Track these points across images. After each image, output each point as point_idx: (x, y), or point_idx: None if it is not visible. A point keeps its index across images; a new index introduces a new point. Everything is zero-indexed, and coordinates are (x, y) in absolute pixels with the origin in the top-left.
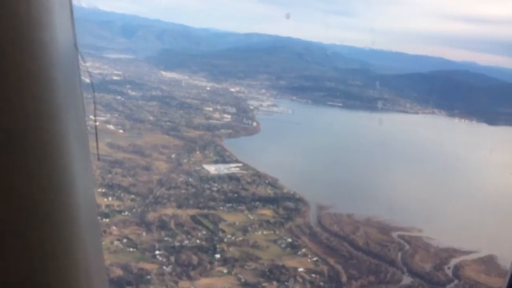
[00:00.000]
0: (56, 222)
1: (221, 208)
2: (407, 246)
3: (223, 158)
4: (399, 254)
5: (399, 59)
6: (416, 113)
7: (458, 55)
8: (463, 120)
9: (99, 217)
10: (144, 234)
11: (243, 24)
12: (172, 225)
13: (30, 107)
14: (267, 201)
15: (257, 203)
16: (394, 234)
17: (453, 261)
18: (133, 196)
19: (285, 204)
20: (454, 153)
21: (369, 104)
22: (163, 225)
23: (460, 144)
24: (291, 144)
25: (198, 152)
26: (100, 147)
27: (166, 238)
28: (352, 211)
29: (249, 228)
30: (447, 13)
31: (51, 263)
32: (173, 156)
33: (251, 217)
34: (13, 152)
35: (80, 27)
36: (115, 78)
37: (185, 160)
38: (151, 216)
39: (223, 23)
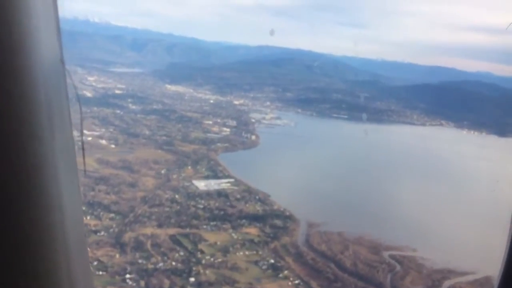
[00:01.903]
0: (42, 238)
1: (204, 226)
2: (398, 267)
3: (215, 173)
4: (389, 276)
5: (411, 70)
6: (423, 124)
7: (473, 66)
8: (472, 132)
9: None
10: (117, 256)
11: (256, 37)
12: (148, 246)
13: (14, 126)
14: (254, 218)
15: (243, 221)
16: (386, 254)
17: (447, 284)
18: (112, 215)
19: (272, 222)
20: (457, 166)
21: (375, 116)
22: (139, 246)
23: (465, 157)
24: (288, 158)
25: (189, 167)
26: (88, 163)
27: (140, 260)
28: (344, 229)
29: (231, 249)
30: (461, 24)
31: (37, 278)
32: (163, 171)
33: (235, 236)
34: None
35: (90, 42)
36: (117, 92)
37: (174, 176)
38: (128, 236)
39: (236, 36)
